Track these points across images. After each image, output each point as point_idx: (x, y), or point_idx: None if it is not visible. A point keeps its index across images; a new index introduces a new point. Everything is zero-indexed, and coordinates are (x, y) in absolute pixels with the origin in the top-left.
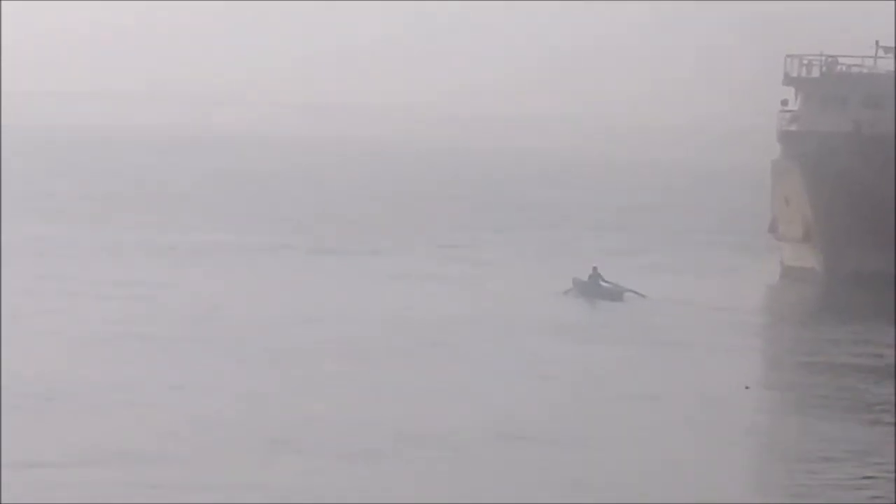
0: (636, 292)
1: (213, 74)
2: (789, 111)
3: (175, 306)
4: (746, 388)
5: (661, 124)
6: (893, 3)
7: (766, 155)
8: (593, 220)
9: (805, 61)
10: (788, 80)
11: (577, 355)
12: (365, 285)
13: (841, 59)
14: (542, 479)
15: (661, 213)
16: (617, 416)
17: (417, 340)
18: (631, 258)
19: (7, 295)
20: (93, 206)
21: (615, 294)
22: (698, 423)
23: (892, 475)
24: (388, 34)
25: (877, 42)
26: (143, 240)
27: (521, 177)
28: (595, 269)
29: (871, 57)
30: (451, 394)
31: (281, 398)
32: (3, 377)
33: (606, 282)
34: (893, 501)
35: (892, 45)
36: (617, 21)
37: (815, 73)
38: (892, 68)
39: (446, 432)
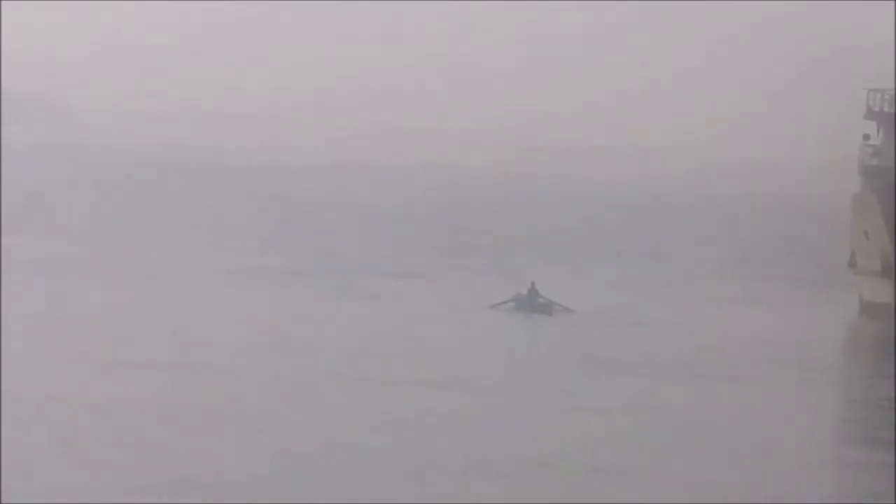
0: (565, 307)
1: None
2: (871, 145)
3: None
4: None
5: (743, 158)
6: (893, 3)
7: (847, 189)
8: (672, 250)
9: (887, 95)
10: (870, 114)
11: (639, 391)
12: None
13: None
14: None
15: (743, 246)
16: (660, 447)
17: (437, 371)
18: (709, 290)
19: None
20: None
21: (546, 308)
22: (753, 456)
23: None
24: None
25: None
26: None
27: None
28: (533, 284)
29: None
30: (485, 426)
31: (299, 425)
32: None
33: (542, 297)
34: (894, 502)
35: None
36: (695, 55)
37: None
38: None
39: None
